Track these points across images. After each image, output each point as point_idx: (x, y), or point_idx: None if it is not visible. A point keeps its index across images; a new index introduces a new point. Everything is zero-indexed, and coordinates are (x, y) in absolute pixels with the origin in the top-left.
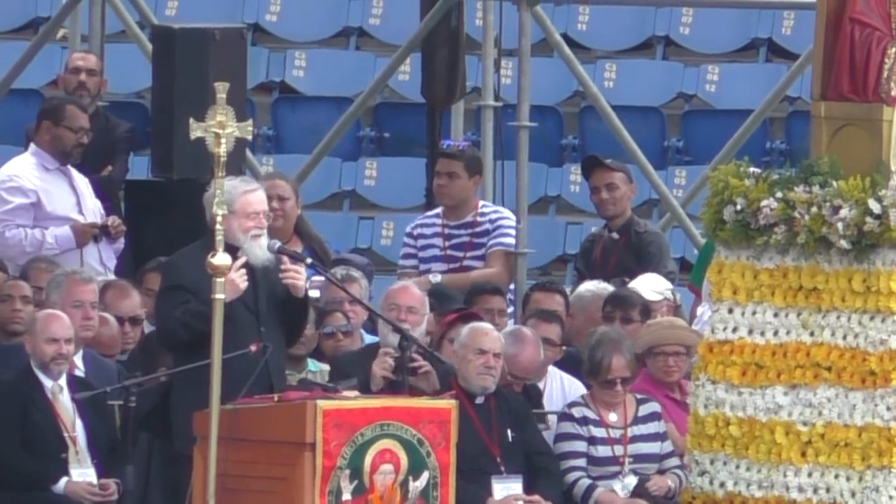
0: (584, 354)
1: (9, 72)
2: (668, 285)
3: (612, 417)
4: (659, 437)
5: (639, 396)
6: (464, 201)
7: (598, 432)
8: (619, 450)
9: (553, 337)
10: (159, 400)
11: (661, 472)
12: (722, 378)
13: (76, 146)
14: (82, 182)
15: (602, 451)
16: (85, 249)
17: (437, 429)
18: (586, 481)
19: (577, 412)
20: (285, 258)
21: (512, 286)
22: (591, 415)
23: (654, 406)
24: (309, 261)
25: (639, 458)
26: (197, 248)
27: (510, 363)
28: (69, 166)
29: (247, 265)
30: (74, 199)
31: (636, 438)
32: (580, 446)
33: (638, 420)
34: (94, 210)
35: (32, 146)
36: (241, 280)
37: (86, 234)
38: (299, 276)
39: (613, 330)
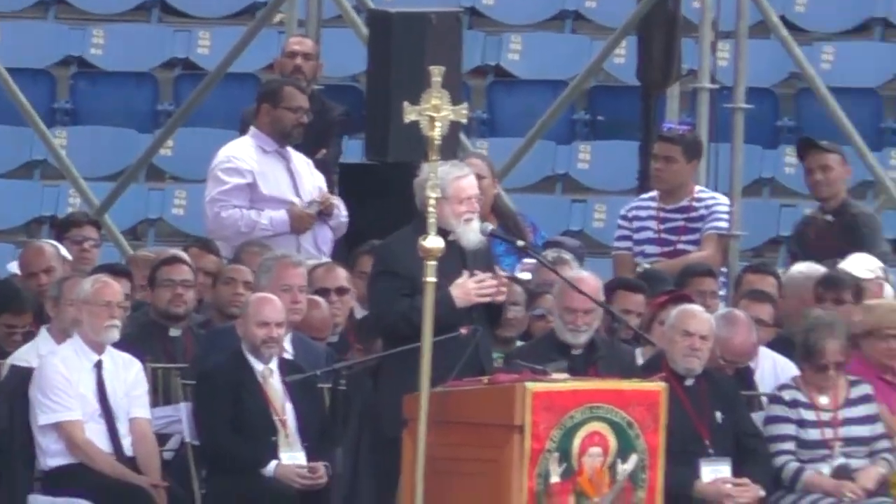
0: (797, 337)
1: (226, 56)
2: (880, 264)
3: (823, 400)
4: (870, 419)
5: (851, 378)
6: (680, 186)
7: (809, 415)
8: (829, 433)
9: (765, 317)
10: (372, 384)
11: (872, 454)
12: None
13: (296, 126)
14: (301, 164)
15: (812, 433)
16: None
17: (647, 411)
18: (795, 464)
19: (787, 395)
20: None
21: (724, 269)
22: (801, 397)
23: (865, 388)
24: (521, 243)
25: (849, 440)
26: (409, 232)
27: (723, 346)
28: (288, 148)
29: (457, 247)
30: (291, 180)
31: (847, 421)
32: (789, 429)
33: (849, 402)
34: (312, 192)
35: (252, 129)
36: (478, 290)
37: (302, 221)
38: (501, 293)
39: (828, 313)
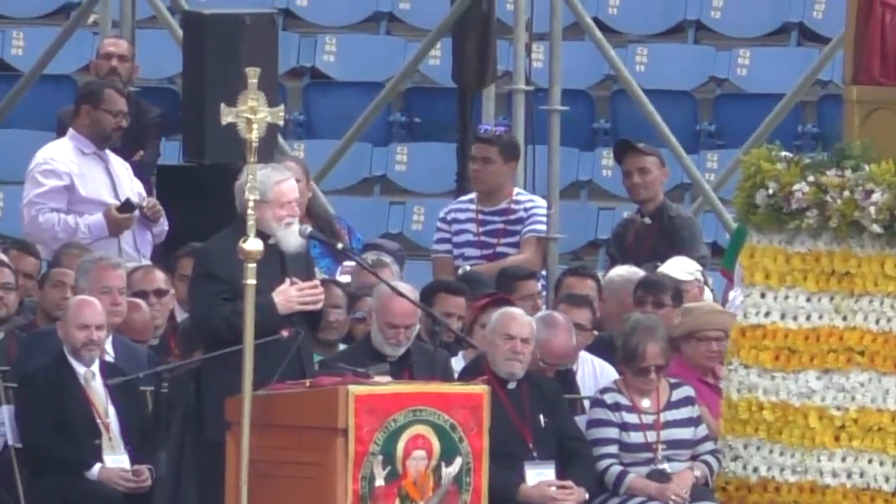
0: (617, 340)
1: (40, 57)
2: (699, 267)
3: (645, 403)
4: (693, 422)
5: (672, 381)
6: (498, 187)
7: (631, 418)
8: (651, 436)
9: (584, 322)
10: (194, 387)
11: (695, 457)
12: (755, 362)
13: (115, 129)
14: (120, 166)
15: (635, 437)
16: (121, 236)
17: (470, 414)
18: (618, 468)
19: (609, 398)
20: (312, 257)
21: (544, 272)
22: (623, 401)
23: (687, 391)
24: (340, 246)
25: (672, 443)
26: (229, 234)
27: (543, 349)
28: (107, 151)
29: (276, 250)
30: (110, 182)
31: (669, 424)
32: (612, 433)
33: (671, 405)
34: (133, 194)
35: (70, 130)
36: (300, 297)
37: (118, 224)
38: (319, 300)
39: (648, 317)
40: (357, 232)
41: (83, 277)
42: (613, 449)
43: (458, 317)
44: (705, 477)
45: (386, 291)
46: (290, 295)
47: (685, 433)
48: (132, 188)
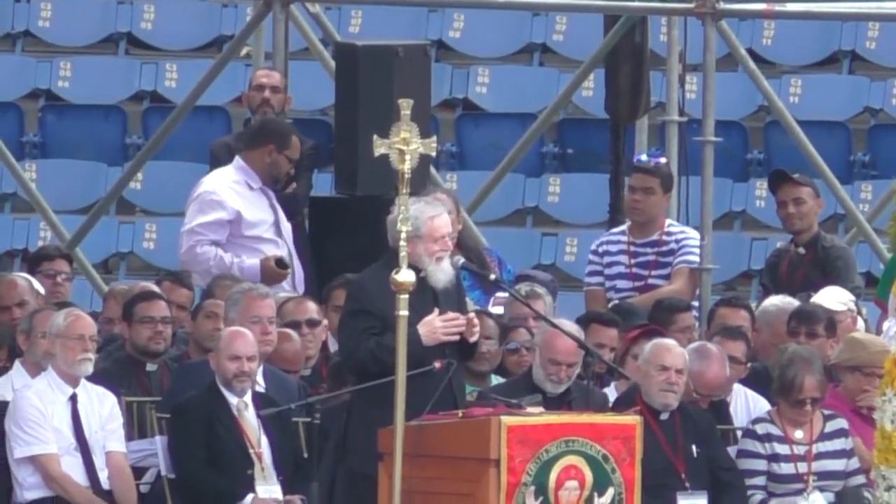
0: (774, 372)
1: (193, 89)
2: (852, 297)
3: (798, 434)
4: (845, 454)
5: (826, 413)
6: (654, 218)
7: (782, 449)
8: (802, 467)
9: (738, 355)
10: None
11: (846, 488)
12: None
13: (286, 175)
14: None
15: (785, 468)
16: None
17: (622, 444)
18: (760, 496)
19: (760, 428)
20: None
21: (696, 303)
22: (775, 431)
23: (841, 423)
24: (493, 277)
25: (823, 475)
26: (381, 267)
27: (696, 380)
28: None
29: (429, 284)
30: (273, 218)
31: (821, 455)
32: (760, 465)
33: (824, 436)
34: (287, 232)
35: (239, 161)
36: (444, 328)
37: (273, 277)
38: (472, 332)
39: (805, 348)
40: (507, 263)
41: (233, 308)
42: (761, 480)
43: (610, 348)
44: None
45: (551, 328)
46: (434, 326)
47: (837, 465)
48: (287, 227)
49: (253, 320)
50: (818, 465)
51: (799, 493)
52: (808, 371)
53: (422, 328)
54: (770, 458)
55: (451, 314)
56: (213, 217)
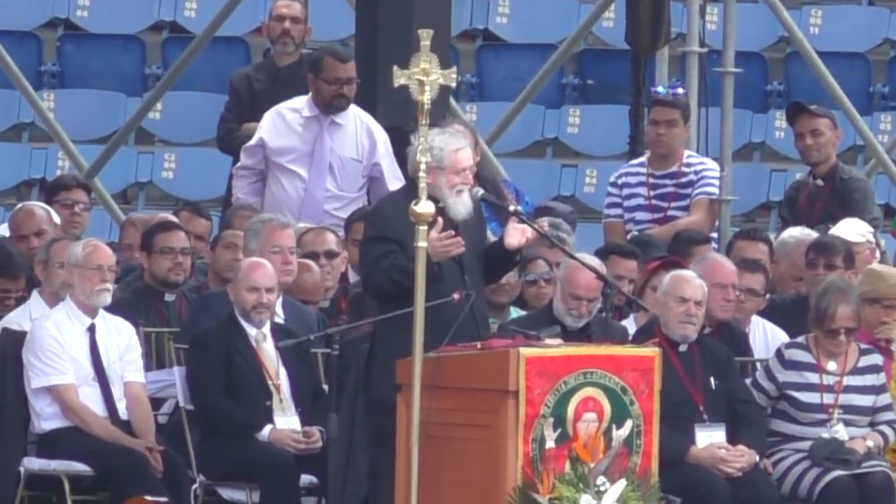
0: (811, 301)
1: (213, 19)
2: (870, 228)
3: (831, 366)
4: (875, 389)
5: (863, 346)
6: (676, 150)
7: (812, 378)
8: (829, 398)
9: (757, 287)
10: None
11: (872, 425)
12: None
13: (336, 97)
14: (347, 130)
15: (809, 397)
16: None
17: (641, 377)
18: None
19: (790, 354)
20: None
21: (715, 234)
22: (806, 358)
23: (876, 358)
24: (512, 208)
25: (850, 409)
26: (400, 195)
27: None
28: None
29: (446, 217)
30: (309, 148)
31: (850, 389)
32: (770, 389)
33: (856, 371)
34: (323, 165)
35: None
36: (442, 245)
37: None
38: (522, 238)
39: (842, 279)
40: (525, 195)
41: (253, 238)
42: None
43: (629, 280)
44: (878, 447)
45: (573, 262)
46: (431, 240)
47: (865, 400)
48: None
49: (274, 250)
50: (845, 399)
51: (822, 423)
52: (843, 300)
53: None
54: (784, 386)
55: (447, 232)
56: (251, 142)
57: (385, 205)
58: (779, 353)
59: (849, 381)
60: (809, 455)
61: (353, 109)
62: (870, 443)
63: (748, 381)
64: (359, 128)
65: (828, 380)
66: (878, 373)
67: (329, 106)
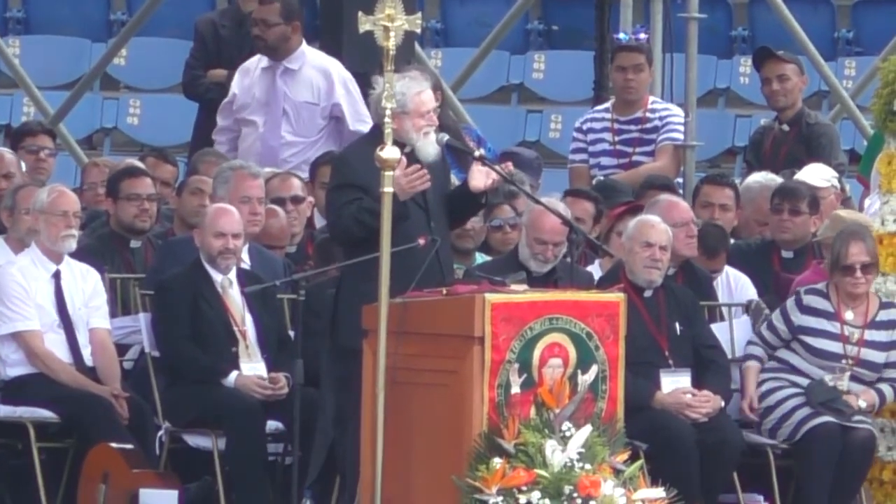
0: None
1: None
2: (835, 174)
3: (849, 315)
4: (886, 346)
5: (884, 300)
6: (642, 95)
7: (830, 326)
8: (851, 350)
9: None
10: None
11: (880, 380)
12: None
13: (261, 39)
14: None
15: (827, 344)
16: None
17: (606, 322)
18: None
19: (808, 300)
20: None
21: (681, 179)
22: (825, 306)
23: (893, 312)
24: (478, 154)
25: (863, 363)
26: (365, 141)
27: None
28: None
29: (414, 159)
30: (264, 98)
31: (867, 344)
32: (782, 331)
33: (875, 324)
34: (276, 113)
35: None
36: (408, 181)
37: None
38: (488, 179)
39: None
40: (488, 141)
41: (222, 186)
42: (759, 351)
43: (585, 220)
44: (872, 406)
45: (537, 207)
46: (399, 180)
47: (878, 357)
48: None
49: (243, 200)
50: (863, 353)
51: (833, 370)
52: (856, 238)
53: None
54: (799, 331)
55: (413, 167)
56: (224, 100)
57: (351, 152)
58: (797, 297)
59: (868, 335)
60: (805, 394)
61: (309, 53)
62: (862, 402)
63: (716, 326)
64: (313, 71)
65: (849, 331)
66: (894, 328)
67: (264, 50)
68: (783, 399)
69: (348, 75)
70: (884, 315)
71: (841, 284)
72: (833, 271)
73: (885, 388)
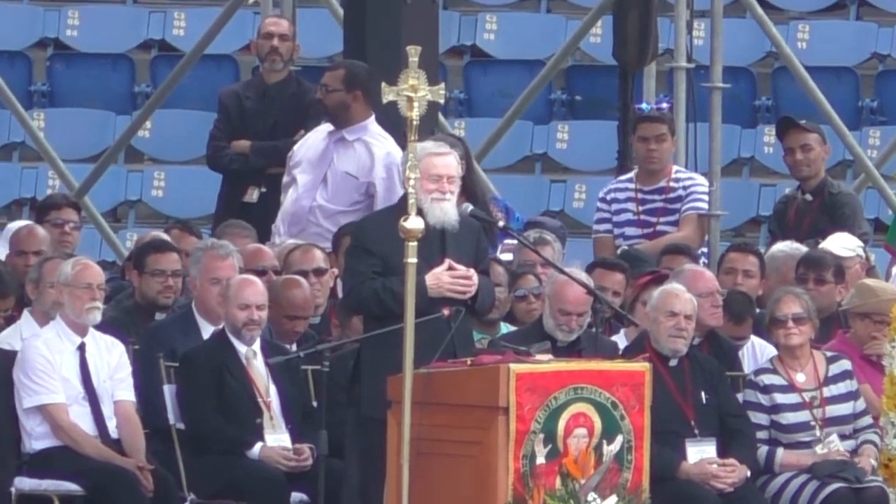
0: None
1: (202, 37)
2: (860, 243)
3: (800, 378)
4: (852, 396)
5: (829, 354)
6: (666, 164)
7: (790, 398)
8: (818, 413)
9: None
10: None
11: (856, 432)
12: None
13: (323, 108)
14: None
15: (793, 417)
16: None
17: (631, 391)
18: (767, 448)
19: (763, 379)
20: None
21: (705, 249)
22: (777, 381)
23: (844, 364)
24: (501, 224)
25: (833, 420)
26: (386, 211)
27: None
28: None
29: (437, 229)
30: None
31: (829, 400)
32: (762, 419)
33: (829, 380)
34: (313, 180)
35: None
36: (451, 283)
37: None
38: (465, 289)
39: (790, 287)
40: (516, 211)
41: (194, 266)
42: (764, 434)
43: (612, 292)
44: (876, 459)
45: (561, 277)
46: (442, 280)
47: (845, 409)
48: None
49: (211, 281)
50: (830, 411)
51: (809, 442)
52: (787, 293)
53: (429, 279)
54: (772, 410)
55: (461, 270)
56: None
57: (371, 219)
58: (751, 383)
59: (827, 392)
60: (811, 473)
61: (372, 129)
62: (872, 460)
63: (739, 395)
64: (364, 146)
65: (808, 396)
66: (850, 378)
67: (330, 119)
68: (789, 478)
69: (395, 160)
70: (835, 368)
71: (782, 351)
72: (770, 329)
73: (872, 436)
